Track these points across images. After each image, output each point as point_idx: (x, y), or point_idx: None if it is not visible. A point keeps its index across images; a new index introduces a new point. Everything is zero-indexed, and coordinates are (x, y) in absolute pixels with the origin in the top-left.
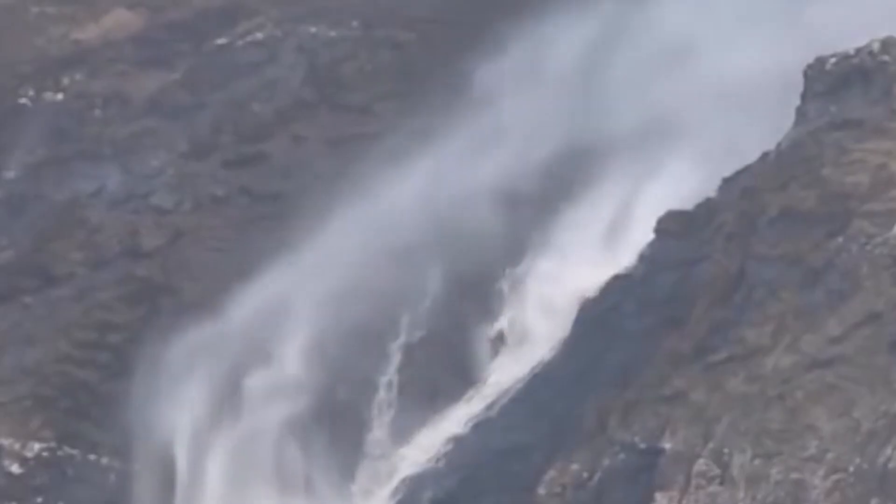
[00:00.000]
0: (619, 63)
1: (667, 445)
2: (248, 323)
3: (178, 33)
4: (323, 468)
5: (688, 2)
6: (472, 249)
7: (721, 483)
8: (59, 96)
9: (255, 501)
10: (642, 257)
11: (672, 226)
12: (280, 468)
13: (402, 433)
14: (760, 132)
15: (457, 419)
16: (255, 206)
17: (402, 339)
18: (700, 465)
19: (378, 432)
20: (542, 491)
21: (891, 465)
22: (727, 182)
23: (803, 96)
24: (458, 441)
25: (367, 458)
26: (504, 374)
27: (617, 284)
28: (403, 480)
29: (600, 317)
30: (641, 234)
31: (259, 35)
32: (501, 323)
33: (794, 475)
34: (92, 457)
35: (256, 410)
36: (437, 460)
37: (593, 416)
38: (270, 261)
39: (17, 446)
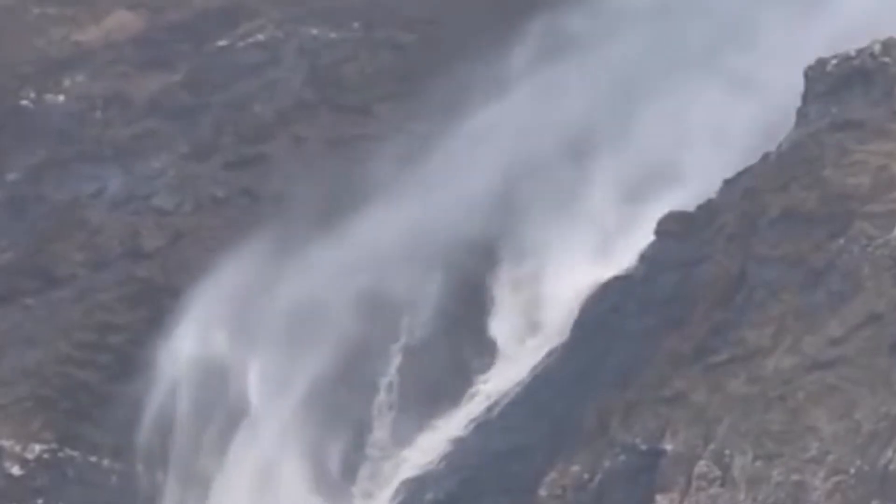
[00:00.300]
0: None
1: (667, 447)
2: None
3: (179, 34)
4: (324, 470)
5: None
6: (473, 251)
7: (722, 485)
8: (60, 98)
9: None
10: (643, 258)
11: (673, 227)
12: (280, 471)
13: (402, 435)
14: None
15: (457, 421)
16: (256, 206)
17: (402, 341)
18: (701, 466)
19: (379, 434)
20: (542, 492)
21: (892, 467)
22: (728, 183)
23: (804, 97)
24: (458, 443)
25: (368, 460)
26: (504, 375)
27: (617, 285)
28: (404, 482)
29: (601, 318)
30: None
31: (260, 36)
32: (502, 324)
33: (795, 477)
34: (93, 458)
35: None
36: (438, 462)
37: (594, 418)
38: (269, 262)
39: (17, 448)
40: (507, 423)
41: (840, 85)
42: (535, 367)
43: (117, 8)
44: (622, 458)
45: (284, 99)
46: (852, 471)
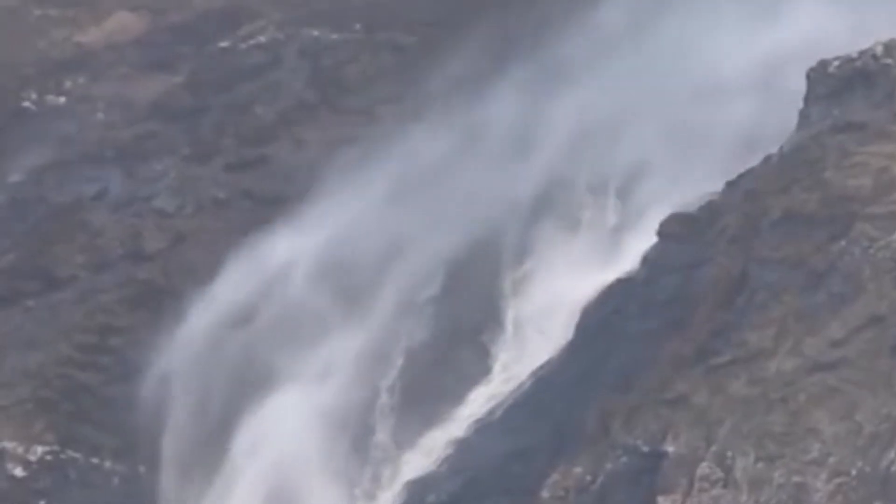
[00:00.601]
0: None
1: (669, 449)
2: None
3: (181, 36)
4: (326, 472)
5: None
6: (474, 251)
7: (724, 486)
8: (62, 99)
9: None
10: (645, 260)
11: (674, 228)
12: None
13: (404, 437)
14: None
15: (459, 422)
16: (257, 209)
17: (403, 342)
18: (703, 468)
19: (381, 436)
20: (544, 494)
21: (893, 469)
22: (730, 185)
23: (806, 99)
24: (460, 444)
25: (370, 462)
26: (506, 377)
27: (619, 287)
28: (406, 484)
29: (603, 320)
30: None
31: (261, 38)
32: (504, 325)
33: (797, 478)
34: (94, 460)
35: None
36: (440, 464)
37: (596, 420)
38: (269, 261)
39: (19, 449)
40: (509, 424)
41: (842, 87)
42: (536, 370)
43: (119, 9)
44: (624, 459)
45: (286, 100)
46: (854, 472)
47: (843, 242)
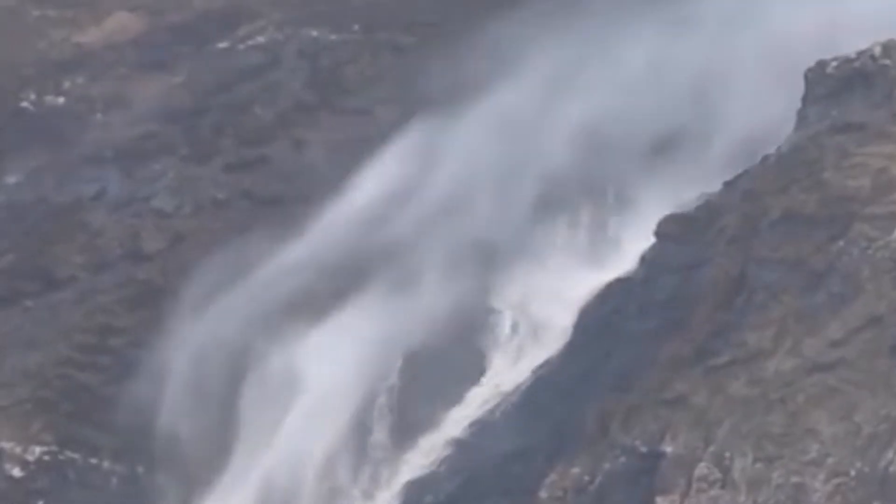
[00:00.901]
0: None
1: (668, 449)
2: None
3: (180, 36)
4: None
5: None
6: (474, 251)
7: (722, 487)
8: (61, 100)
9: None
10: (643, 260)
11: (673, 229)
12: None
13: (403, 437)
14: None
15: (458, 423)
16: (256, 209)
17: (403, 343)
18: (701, 468)
19: (379, 436)
20: (543, 494)
21: (892, 469)
22: (728, 185)
23: (804, 99)
24: (459, 445)
25: (369, 462)
26: (505, 377)
27: (618, 287)
28: (405, 484)
29: (602, 320)
30: None
31: (260, 38)
32: (503, 326)
33: (795, 479)
34: (93, 460)
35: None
36: (439, 464)
37: (594, 420)
38: (267, 261)
39: (18, 450)
40: (507, 425)
41: (840, 87)
42: (536, 370)
43: (118, 10)
44: (622, 460)
45: (285, 101)
46: (852, 473)
47: (841, 243)
